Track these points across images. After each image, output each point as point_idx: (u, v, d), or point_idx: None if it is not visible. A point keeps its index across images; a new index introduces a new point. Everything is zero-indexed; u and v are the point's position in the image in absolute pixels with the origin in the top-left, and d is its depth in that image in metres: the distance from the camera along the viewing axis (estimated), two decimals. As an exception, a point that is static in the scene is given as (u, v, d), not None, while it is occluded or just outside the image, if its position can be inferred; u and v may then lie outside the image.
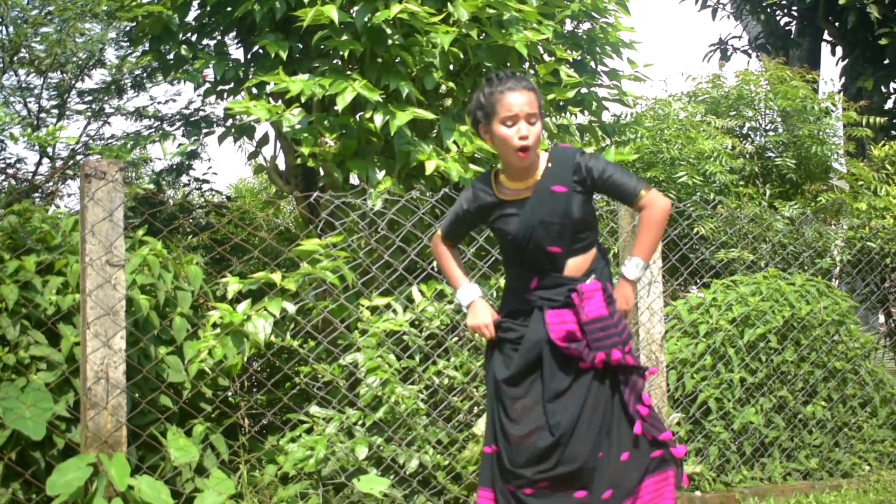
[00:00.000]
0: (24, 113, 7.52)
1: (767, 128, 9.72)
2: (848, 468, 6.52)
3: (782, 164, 9.03)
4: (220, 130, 6.43)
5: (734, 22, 16.70)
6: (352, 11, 5.35)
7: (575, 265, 3.62)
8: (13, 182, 7.21)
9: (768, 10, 15.21)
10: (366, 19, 5.28)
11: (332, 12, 5.10)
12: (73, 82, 7.40)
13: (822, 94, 10.57)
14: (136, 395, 4.73)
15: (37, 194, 7.42)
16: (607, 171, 3.58)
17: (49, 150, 7.13)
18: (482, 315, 3.74)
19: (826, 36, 15.34)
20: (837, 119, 9.81)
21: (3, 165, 7.55)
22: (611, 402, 3.58)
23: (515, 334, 3.67)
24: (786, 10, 15.58)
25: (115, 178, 4.49)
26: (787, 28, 15.61)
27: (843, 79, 14.58)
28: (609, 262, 3.79)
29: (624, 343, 3.56)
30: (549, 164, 3.61)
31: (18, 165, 7.56)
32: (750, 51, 16.04)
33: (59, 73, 7.32)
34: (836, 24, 14.54)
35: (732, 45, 16.18)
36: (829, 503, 5.96)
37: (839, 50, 14.99)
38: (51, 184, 7.11)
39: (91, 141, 7.59)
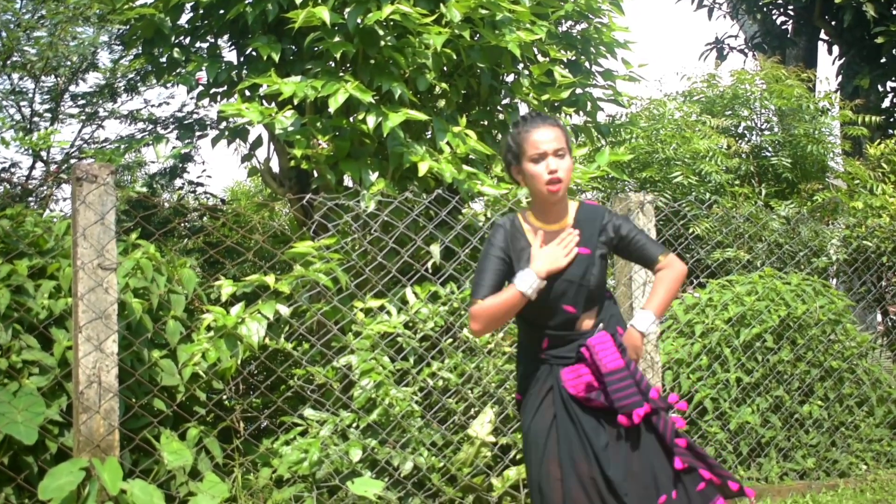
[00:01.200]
0: (18, 117, 7.50)
1: (763, 127, 9.72)
2: (845, 468, 6.51)
3: (778, 163, 9.03)
4: (213, 133, 6.42)
5: (730, 21, 16.70)
6: (344, 13, 5.34)
7: (585, 321, 3.59)
8: (7, 187, 7.19)
9: (764, 9, 15.19)
10: (358, 21, 5.27)
11: (324, 14, 5.09)
12: (67, 86, 7.38)
13: (819, 92, 10.56)
14: (130, 398, 4.72)
15: (31, 199, 7.41)
16: (633, 233, 3.63)
17: (43, 154, 7.11)
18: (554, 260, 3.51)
19: (822, 35, 15.31)
20: (833, 118, 9.80)
21: None
22: (649, 445, 3.52)
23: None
24: (782, 10, 15.57)
25: (106, 181, 4.48)
26: (783, 27, 15.60)
27: (840, 78, 14.57)
28: (615, 302, 3.75)
29: (645, 394, 3.50)
30: (577, 220, 3.63)
31: (13, 170, 7.55)
32: (746, 50, 16.02)
33: (52, 76, 7.31)
34: (833, 22, 14.52)
35: (729, 45, 16.16)
36: (826, 503, 5.95)
37: (836, 49, 14.97)
38: (45, 188, 7.09)
39: (85, 145, 7.57)
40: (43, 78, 7.23)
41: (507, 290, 3.50)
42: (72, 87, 7.57)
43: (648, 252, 3.62)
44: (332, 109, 5.14)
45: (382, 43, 5.46)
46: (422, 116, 5.42)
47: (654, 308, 3.53)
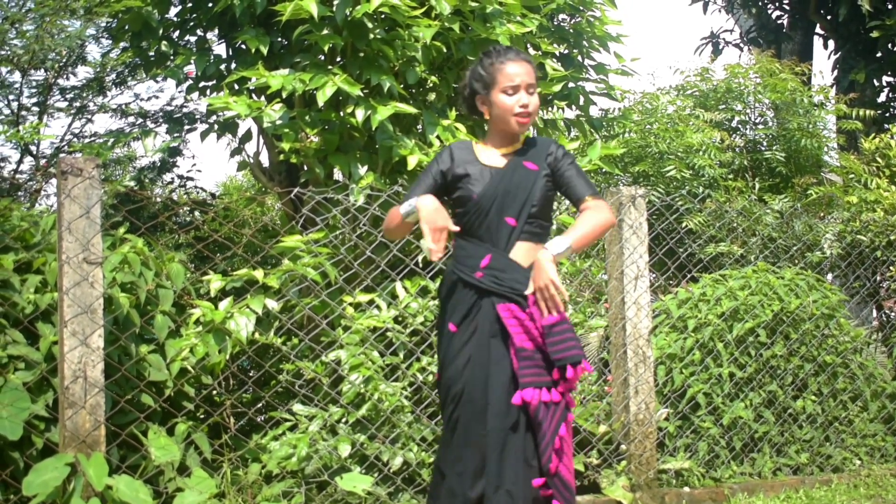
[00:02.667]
0: (7, 111, 7.45)
1: (757, 121, 9.68)
2: (839, 463, 6.48)
3: (772, 157, 8.99)
4: (203, 127, 6.37)
5: (726, 15, 16.67)
6: (333, 5, 5.29)
7: (523, 251, 3.60)
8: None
9: (760, 3, 15.17)
10: (347, 13, 5.22)
11: (312, 6, 5.04)
12: (55, 80, 7.33)
13: (815, 86, 10.53)
14: (118, 394, 4.69)
15: (21, 193, 7.36)
16: (570, 165, 3.69)
17: (32, 148, 7.07)
18: (439, 214, 3.54)
19: (818, 29, 15.30)
20: (828, 112, 9.77)
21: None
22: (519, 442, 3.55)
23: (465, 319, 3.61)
24: (777, 4, 15.55)
25: (91, 175, 4.44)
26: (778, 21, 15.57)
27: (836, 72, 14.55)
28: None
29: (581, 351, 3.55)
30: (526, 144, 3.73)
31: (1, 164, 7.49)
32: (742, 45, 16.00)
33: (42, 70, 7.25)
34: (828, 17, 14.50)
35: (724, 39, 16.14)
36: (820, 498, 5.92)
37: (831, 43, 14.95)
38: (33, 182, 7.05)
39: (74, 139, 7.52)
40: (32, 72, 7.18)
41: (402, 207, 3.60)
42: (61, 81, 7.52)
43: (578, 188, 3.64)
44: (320, 103, 5.10)
45: (371, 36, 5.41)
46: (411, 110, 5.38)
47: (571, 238, 3.49)
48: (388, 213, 3.72)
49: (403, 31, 5.48)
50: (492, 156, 3.70)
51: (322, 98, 5.08)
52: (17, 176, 7.23)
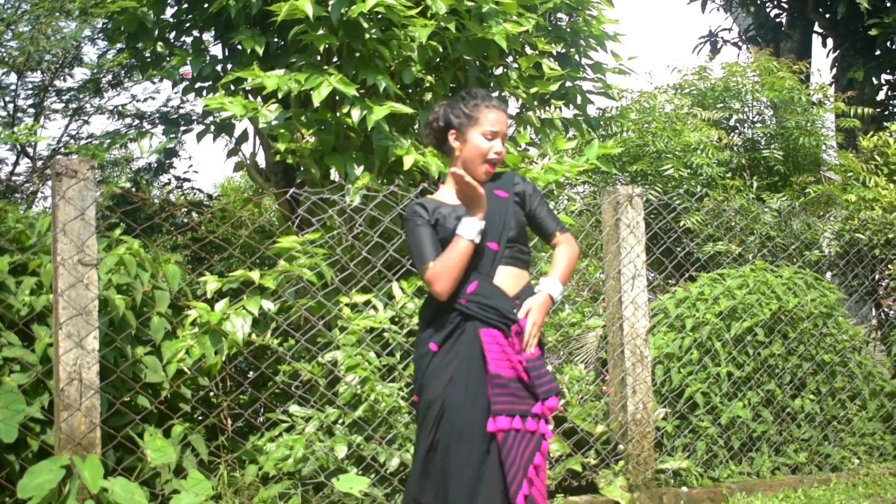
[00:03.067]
0: (3, 113, 7.43)
1: (755, 120, 9.66)
2: (837, 462, 6.47)
3: (769, 155, 8.98)
4: (199, 128, 6.35)
5: (724, 14, 16.65)
6: (329, 5, 5.28)
7: (507, 279, 3.64)
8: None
9: (758, 1, 15.15)
10: (342, 13, 5.21)
11: (307, 6, 5.03)
12: (51, 81, 7.31)
13: (814, 84, 10.51)
14: (114, 396, 4.68)
15: (18, 195, 7.34)
16: (541, 203, 3.84)
17: (29, 149, 7.04)
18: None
19: (817, 27, 15.28)
20: (826, 110, 9.75)
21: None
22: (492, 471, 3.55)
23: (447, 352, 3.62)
24: (776, 2, 15.53)
25: (86, 176, 4.43)
26: (777, 20, 15.55)
27: (835, 70, 14.53)
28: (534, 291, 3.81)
29: (558, 390, 3.62)
30: (492, 177, 3.79)
31: (11, 168, 7.47)
32: (740, 43, 15.98)
33: (39, 72, 7.23)
34: (827, 15, 14.48)
35: (722, 38, 16.13)
36: (818, 497, 5.91)
37: (830, 41, 14.93)
38: (29, 184, 7.03)
39: (71, 140, 7.50)
40: (28, 73, 7.16)
41: (452, 244, 3.54)
42: (57, 83, 7.50)
43: (548, 224, 3.81)
44: (316, 103, 5.08)
45: (367, 36, 5.39)
46: (406, 109, 5.37)
47: (559, 276, 3.68)
48: (436, 270, 3.55)
49: (399, 30, 5.46)
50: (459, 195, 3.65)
51: (317, 98, 5.07)
52: (14, 178, 7.22)
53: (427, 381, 3.59)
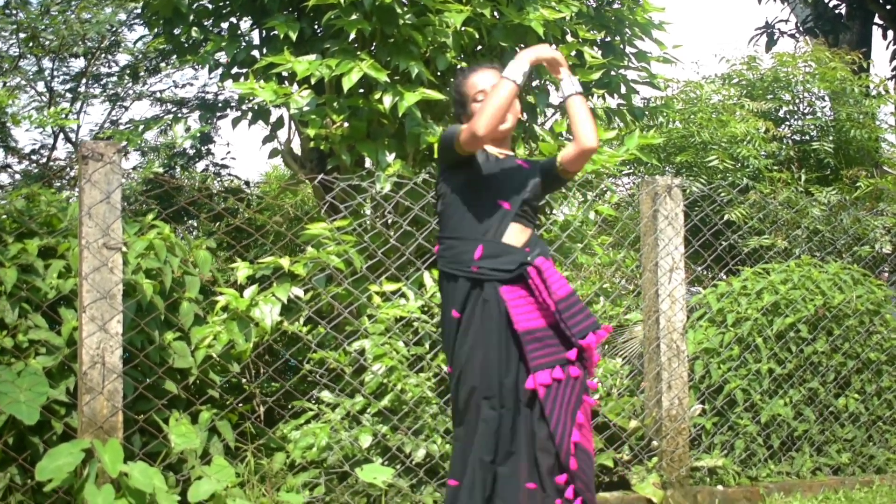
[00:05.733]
0: (46, 98, 7.48)
1: (805, 111, 9.43)
2: (881, 463, 6.28)
3: (820, 148, 8.75)
4: (235, 114, 6.33)
5: (781, 5, 16.31)
6: (361, -9, 5.22)
7: (513, 232, 3.62)
8: (33, 168, 7.18)
9: (816, -8, 14.83)
10: (374, -2, 5.14)
11: (338, -9, 4.97)
12: (88, 66, 7.34)
13: (874, 76, 10.23)
14: (141, 380, 4.67)
15: (64, 180, 7.39)
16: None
17: (63, 133, 7.08)
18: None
19: (877, 19, 14.90)
20: (882, 101, 9.48)
21: (29, 151, 7.53)
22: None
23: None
24: (834, -7, 15.18)
25: (112, 159, 4.41)
26: (836, 11, 15.19)
27: (895, 62, 14.19)
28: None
29: (596, 326, 3.57)
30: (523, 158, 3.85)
31: (42, 151, 7.53)
32: (797, 35, 15.64)
33: (80, 58, 7.27)
34: (887, 6, 14.12)
35: (779, 29, 15.79)
36: (860, 500, 5.74)
37: (890, 33, 14.57)
38: (70, 169, 7.07)
39: (112, 126, 7.54)
40: (70, 59, 7.20)
41: (496, 86, 3.51)
42: (103, 68, 7.54)
43: (549, 159, 3.83)
44: (345, 88, 5.03)
45: (401, 21, 5.32)
46: (438, 96, 5.29)
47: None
48: (487, 105, 3.48)
49: (434, 16, 5.39)
50: (492, 149, 3.73)
51: (348, 83, 5.02)
52: (53, 162, 7.26)
53: (457, 346, 3.57)
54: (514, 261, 3.53)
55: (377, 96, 5.26)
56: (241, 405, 5.15)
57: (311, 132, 5.30)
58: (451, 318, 3.60)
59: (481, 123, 3.43)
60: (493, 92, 3.49)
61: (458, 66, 5.76)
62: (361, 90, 5.55)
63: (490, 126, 3.43)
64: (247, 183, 7.60)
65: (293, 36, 5.45)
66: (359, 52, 5.42)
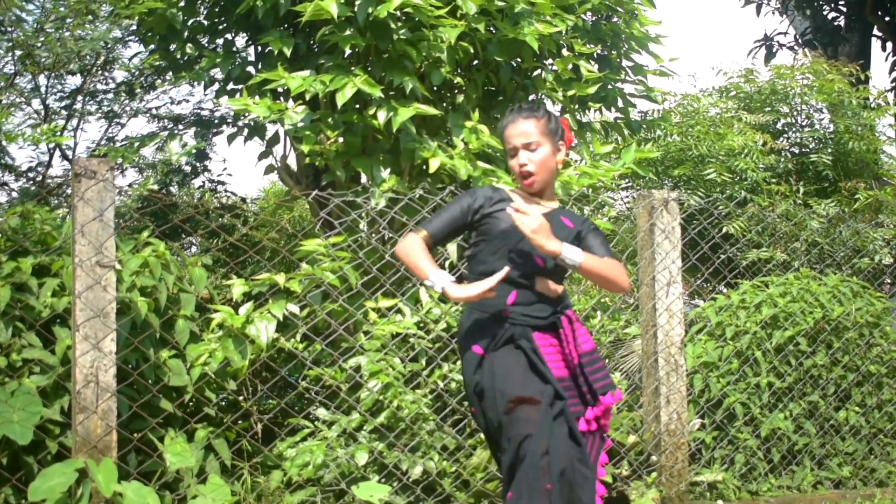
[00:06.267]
0: (41, 115, 7.47)
1: (804, 123, 9.41)
2: (883, 477, 6.24)
3: (818, 160, 8.73)
4: (231, 130, 6.33)
5: (779, 17, 16.32)
6: (355, 5, 5.21)
7: (546, 286, 3.56)
8: (29, 186, 7.16)
9: (815, 4, 14.82)
10: (368, 13, 5.13)
11: (332, 6, 4.96)
12: (84, 84, 7.33)
13: (873, 88, 10.21)
14: (136, 399, 4.65)
15: (63, 198, 7.38)
16: (595, 231, 3.69)
17: (60, 150, 7.07)
18: (470, 287, 3.43)
19: (876, 31, 14.91)
20: (879, 113, 9.46)
21: (26, 169, 7.52)
22: None
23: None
24: (833, 5, 15.17)
25: (105, 177, 4.40)
26: (835, 23, 15.20)
27: (894, 73, 14.18)
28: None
29: (613, 386, 3.54)
30: (560, 209, 3.71)
31: (39, 169, 7.52)
32: (796, 47, 15.65)
33: (73, 74, 7.27)
34: (886, 18, 14.13)
35: (778, 42, 15.80)
36: (861, 513, 5.71)
37: (889, 45, 14.57)
38: (66, 186, 7.06)
39: (109, 143, 7.53)
40: (66, 76, 7.20)
41: (427, 264, 3.46)
42: (91, 85, 7.52)
43: (597, 251, 3.58)
44: (339, 104, 5.01)
45: (395, 36, 5.31)
46: (433, 111, 5.28)
47: (586, 256, 3.44)
48: (406, 244, 3.55)
49: (429, 31, 5.38)
50: (528, 203, 3.61)
51: (341, 99, 5.00)
52: (50, 180, 7.26)
53: (482, 378, 3.45)
54: (546, 309, 3.49)
55: (372, 112, 5.25)
56: (238, 423, 5.12)
57: (305, 148, 5.29)
58: (473, 353, 3.51)
59: (398, 254, 3.56)
60: (415, 262, 3.49)
61: (454, 82, 5.78)
62: (357, 105, 5.54)
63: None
64: (243, 199, 7.61)
65: (287, 52, 5.44)
66: (353, 68, 5.41)
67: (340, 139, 5.45)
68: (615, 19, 6.70)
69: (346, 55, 5.59)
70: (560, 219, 3.60)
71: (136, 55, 6.88)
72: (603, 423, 3.54)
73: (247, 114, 5.52)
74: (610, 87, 6.51)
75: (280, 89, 5.73)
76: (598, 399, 3.47)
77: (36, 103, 7.41)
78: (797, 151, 9.14)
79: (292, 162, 6.31)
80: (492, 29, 5.74)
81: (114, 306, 4.38)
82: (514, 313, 3.47)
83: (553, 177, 3.67)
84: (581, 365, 3.45)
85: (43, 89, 7.24)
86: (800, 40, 15.48)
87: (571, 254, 3.40)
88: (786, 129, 9.44)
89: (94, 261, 4.35)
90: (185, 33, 6.07)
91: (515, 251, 3.51)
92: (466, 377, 3.56)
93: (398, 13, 5.27)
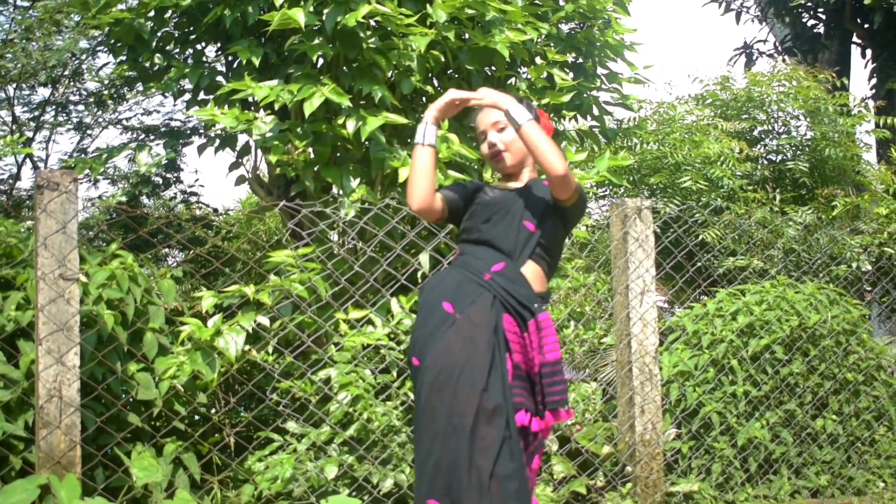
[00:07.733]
0: (10, 127, 7.40)
1: (780, 130, 9.40)
2: (861, 485, 6.20)
3: (795, 167, 8.72)
4: (200, 141, 6.27)
5: (759, 25, 16.37)
6: (324, 15, 5.16)
7: (534, 273, 3.49)
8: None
9: (794, 11, 14.84)
10: (336, 22, 5.09)
11: (299, 15, 4.92)
12: (52, 95, 7.27)
13: (853, 97, 10.21)
14: (103, 413, 4.58)
15: (29, 211, 7.30)
16: None
17: (32, 162, 7.00)
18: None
19: (855, 38, 14.95)
20: (855, 120, 9.45)
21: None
22: None
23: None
24: (812, 12, 15.21)
25: (68, 189, 4.34)
26: (814, 31, 15.23)
27: (874, 81, 14.21)
28: None
29: (566, 404, 3.42)
30: (533, 182, 3.66)
31: (11, 181, 7.44)
32: (776, 54, 15.67)
33: (47, 86, 7.20)
34: (865, 25, 14.16)
35: (758, 49, 15.83)
36: (839, 522, 5.68)
37: (869, 52, 14.60)
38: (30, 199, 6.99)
39: (81, 154, 7.47)
40: (36, 87, 7.13)
41: (412, 156, 3.51)
42: (70, 96, 7.46)
43: None
44: (307, 113, 4.97)
45: (364, 45, 5.27)
46: (401, 120, 5.24)
47: (533, 121, 3.42)
48: (411, 170, 3.52)
49: (398, 40, 5.34)
50: (503, 189, 3.65)
51: (309, 108, 4.96)
52: (20, 192, 7.18)
53: (449, 345, 3.29)
54: (524, 297, 3.37)
55: (341, 121, 5.21)
56: (208, 437, 5.05)
57: (273, 158, 5.24)
58: (443, 311, 3.36)
59: (409, 198, 3.48)
60: (412, 161, 3.50)
61: (425, 90, 5.73)
62: (326, 115, 5.49)
63: (417, 198, 3.47)
64: (215, 210, 7.54)
65: (256, 62, 5.39)
66: (322, 77, 5.36)
67: (310, 149, 5.40)
68: (590, 27, 6.67)
69: (314, 64, 5.54)
70: (541, 183, 3.59)
71: (104, 65, 6.83)
72: (543, 436, 3.45)
73: (216, 124, 5.46)
74: (585, 95, 6.48)
75: (250, 99, 5.68)
76: (543, 413, 3.38)
77: (4, 114, 7.34)
78: (774, 159, 9.13)
79: (264, 172, 6.26)
80: (463, 37, 5.70)
81: (77, 320, 4.31)
82: (495, 281, 3.38)
83: (526, 157, 3.61)
84: (542, 374, 3.36)
85: (12, 101, 7.17)
86: (780, 48, 15.51)
87: (519, 113, 3.41)
88: (762, 136, 9.43)
89: (57, 273, 4.28)
90: (154, 43, 6.01)
91: (508, 218, 3.49)
92: (426, 329, 3.38)
93: (367, 22, 5.23)
